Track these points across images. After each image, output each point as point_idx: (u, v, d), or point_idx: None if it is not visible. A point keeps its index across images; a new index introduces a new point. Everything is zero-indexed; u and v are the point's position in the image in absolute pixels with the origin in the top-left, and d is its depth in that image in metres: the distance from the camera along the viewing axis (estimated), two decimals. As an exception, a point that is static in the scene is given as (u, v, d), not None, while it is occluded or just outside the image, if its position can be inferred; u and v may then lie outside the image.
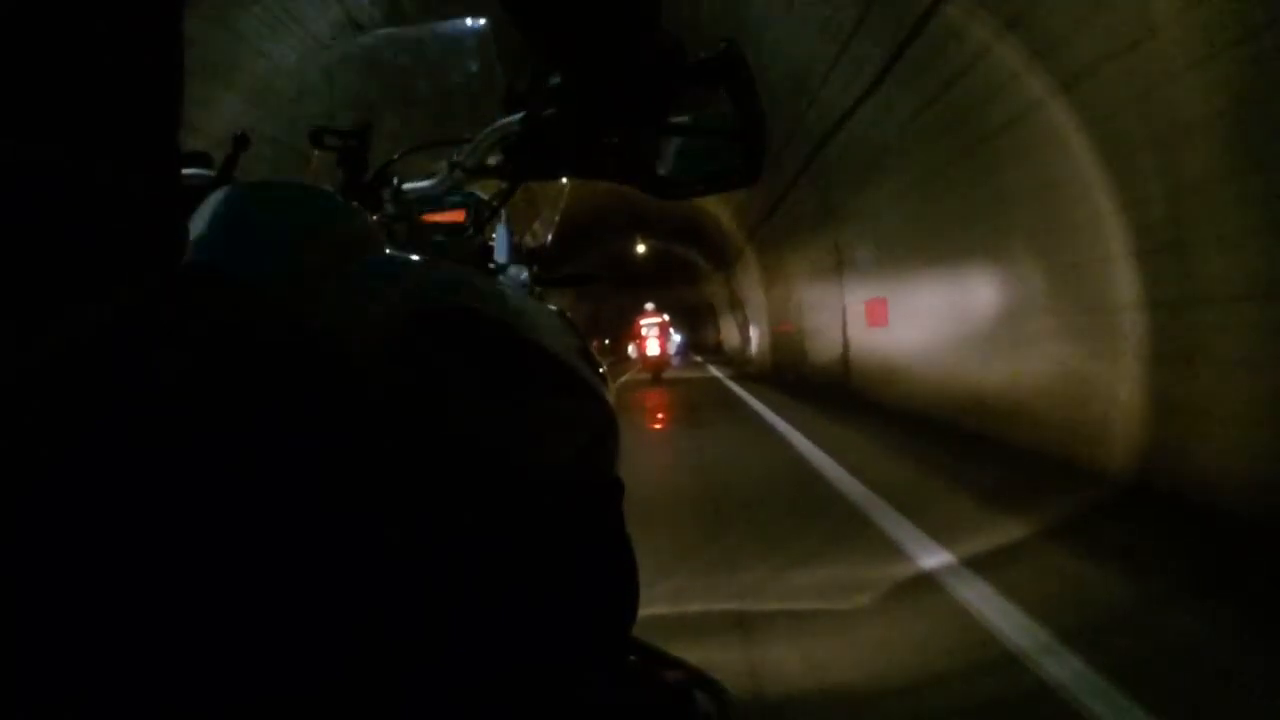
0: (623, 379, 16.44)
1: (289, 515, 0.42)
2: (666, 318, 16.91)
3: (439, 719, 0.47)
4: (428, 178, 1.00)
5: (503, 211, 1.10)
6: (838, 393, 9.29)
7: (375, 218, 0.95)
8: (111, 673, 0.35)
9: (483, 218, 1.14)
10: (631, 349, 17.57)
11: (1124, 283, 3.83)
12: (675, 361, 19.34)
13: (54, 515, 0.35)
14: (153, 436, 0.38)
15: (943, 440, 5.62)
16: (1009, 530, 3.32)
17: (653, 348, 15.68)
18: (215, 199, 0.55)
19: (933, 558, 3.03)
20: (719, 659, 2.21)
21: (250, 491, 0.40)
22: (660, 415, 9.69)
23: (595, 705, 0.63)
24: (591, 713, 0.62)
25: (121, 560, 0.36)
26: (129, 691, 0.35)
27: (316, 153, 1.02)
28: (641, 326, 16.37)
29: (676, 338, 20.92)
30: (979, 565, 2.89)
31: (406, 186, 1.02)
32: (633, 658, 0.93)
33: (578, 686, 0.60)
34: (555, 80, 0.78)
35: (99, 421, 0.37)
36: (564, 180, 0.90)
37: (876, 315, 8.10)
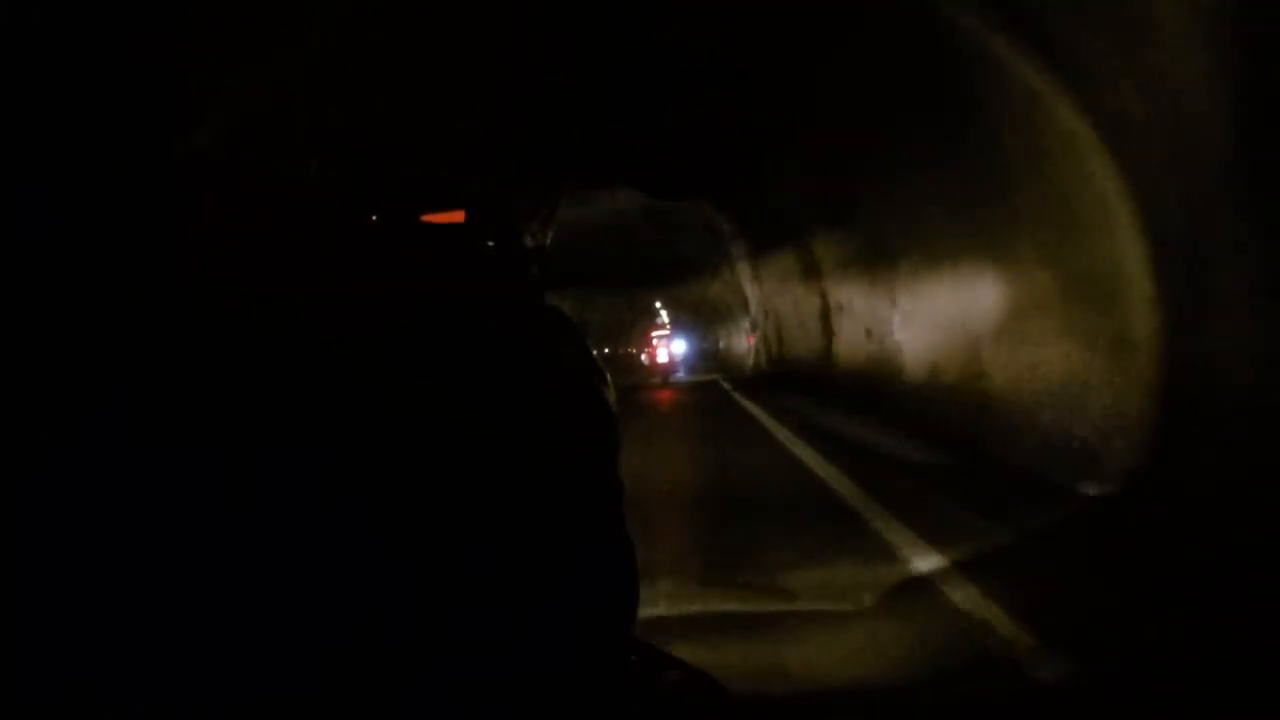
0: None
1: (288, 516, 0.42)
2: (669, 333, 21.03)
3: (441, 718, 0.47)
4: (427, 178, 1.00)
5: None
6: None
7: (374, 218, 0.95)
8: (130, 663, 0.35)
9: (482, 218, 1.14)
10: (644, 356, 21.05)
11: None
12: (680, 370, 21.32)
13: (52, 506, 0.35)
14: (154, 434, 0.38)
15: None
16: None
17: (662, 355, 19.66)
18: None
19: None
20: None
21: (249, 492, 0.40)
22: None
23: (595, 705, 0.63)
24: (591, 713, 0.62)
25: (123, 556, 0.36)
26: (156, 683, 0.35)
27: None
28: (653, 338, 20.15)
29: (681, 347, 23.67)
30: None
31: (405, 187, 1.02)
32: (633, 658, 0.92)
33: (578, 687, 0.60)
34: (556, 82, 0.78)
35: (99, 417, 0.37)
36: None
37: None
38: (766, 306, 16.48)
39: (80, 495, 0.35)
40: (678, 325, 25.11)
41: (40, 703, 0.34)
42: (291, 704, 0.41)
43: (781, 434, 7.88)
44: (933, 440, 6.18)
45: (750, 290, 17.27)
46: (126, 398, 0.37)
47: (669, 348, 20.21)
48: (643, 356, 21.94)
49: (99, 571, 0.35)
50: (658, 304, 25.54)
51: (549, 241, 1.23)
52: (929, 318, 7.30)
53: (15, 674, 0.33)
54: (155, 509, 0.37)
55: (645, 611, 0.83)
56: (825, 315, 11.54)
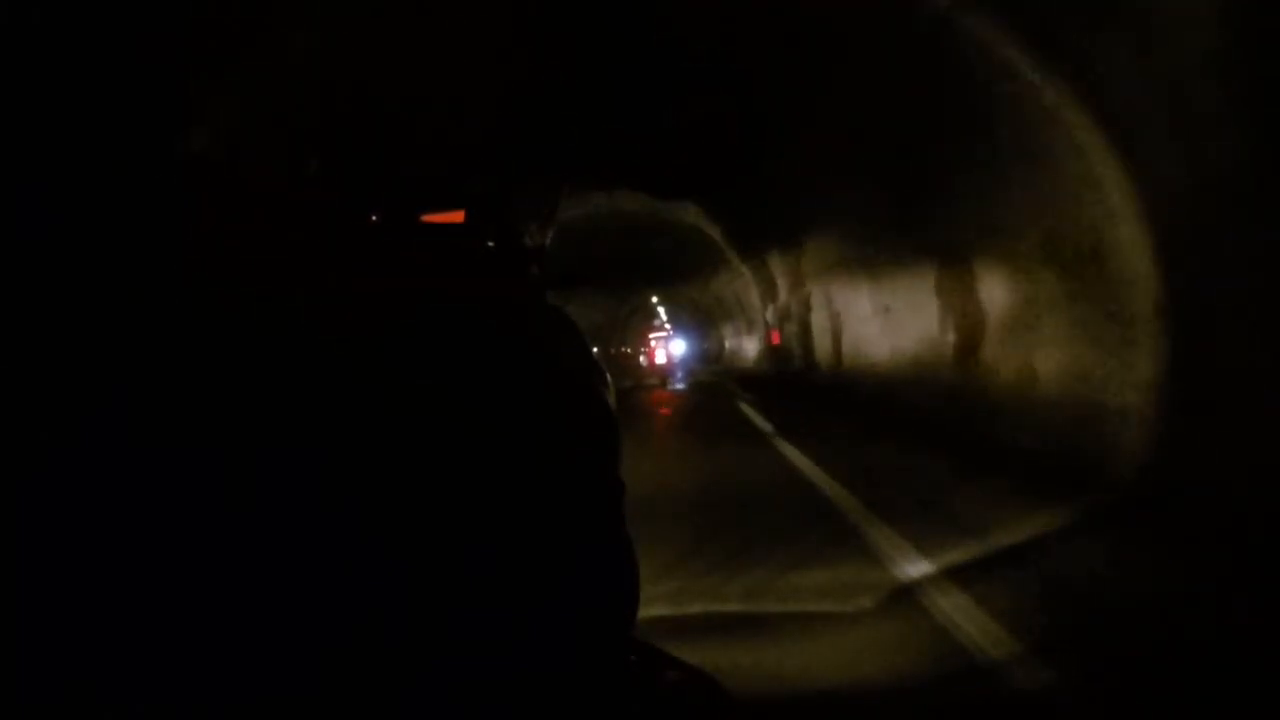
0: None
1: (288, 515, 0.42)
2: (666, 334, 20.88)
3: (442, 717, 0.47)
4: (427, 178, 1.00)
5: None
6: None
7: (374, 218, 0.95)
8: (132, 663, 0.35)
9: (482, 218, 1.14)
10: (642, 358, 21.50)
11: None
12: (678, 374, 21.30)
13: (53, 505, 0.35)
14: (155, 433, 0.38)
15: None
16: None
17: (660, 357, 19.28)
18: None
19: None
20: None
21: (249, 491, 0.40)
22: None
23: (595, 705, 0.63)
24: (591, 713, 0.62)
25: (123, 555, 0.36)
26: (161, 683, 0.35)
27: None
28: (650, 339, 19.98)
29: (681, 348, 23.97)
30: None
31: (405, 187, 1.02)
32: (633, 658, 0.93)
33: (578, 686, 0.60)
34: (556, 83, 0.78)
35: (99, 417, 0.37)
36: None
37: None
38: (809, 298, 11.20)
39: (80, 494, 0.35)
40: (676, 323, 25.12)
41: (40, 703, 0.34)
42: (292, 703, 0.41)
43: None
44: None
45: (781, 279, 13.08)
46: (127, 397, 0.37)
47: (668, 348, 20.52)
48: (640, 358, 22.28)
49: (99, 571, 0.35)
50: (654, 299, 25.07)
51: (549, 241, 1.23)
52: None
53: (15, 674, 0.33)
54: (156, 508, 0.37)
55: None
56: (961, 307, 6.08)
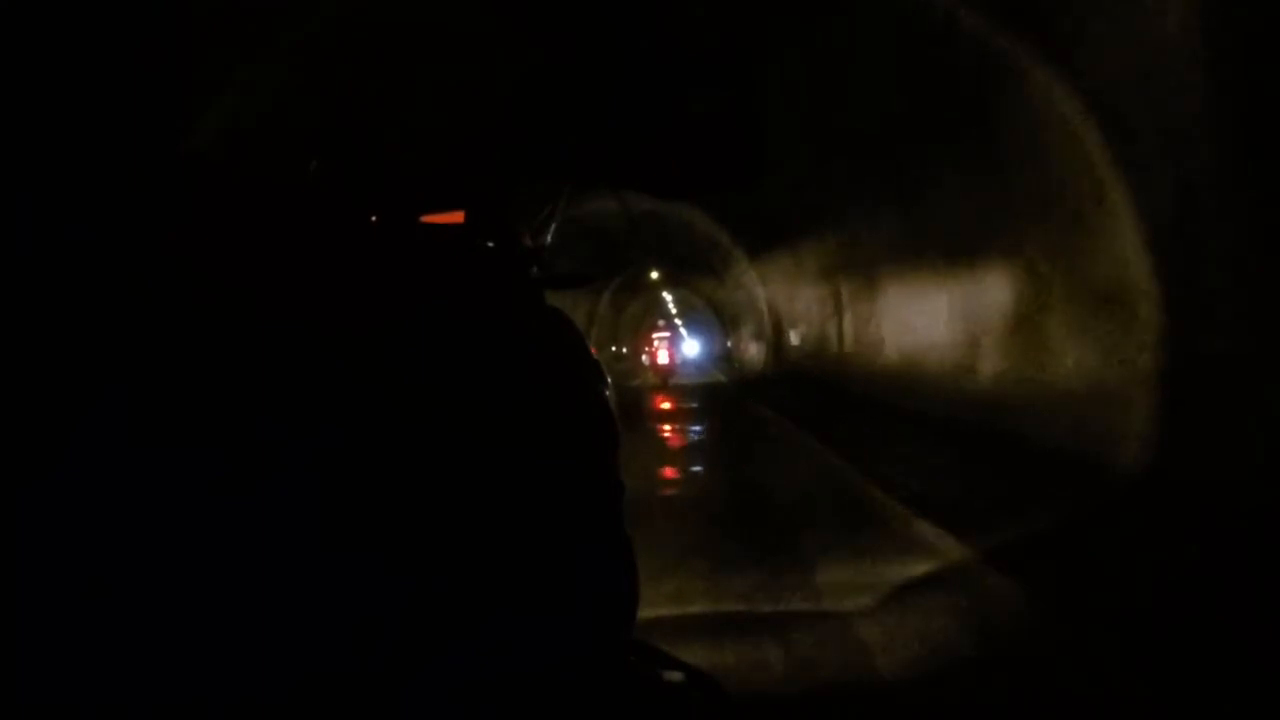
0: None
1: (286, 516, 0.42)
2: (670, 334, 20.86)
3: (440, 718, 0.47)
4: (428, 178, 1.00)
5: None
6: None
7: (374, 218, 0.95)
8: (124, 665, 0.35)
9: (482, 218, 1.14)
10: (644, 358, 21.76)
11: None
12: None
13: (50, 506, 0.35)
14: (153, 434, 0.38)
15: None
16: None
17: (662, 357, 19.73)
18: None
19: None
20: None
21: (248, 492, 0.41)
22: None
23: (595, 706, 0.63)
24: (591, 713, 0.62)
25: (122, 556, 0.36)
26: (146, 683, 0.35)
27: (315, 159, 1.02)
28: (654, 339, 20.23)
29: (695, 349, 24.08)
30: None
31: (405, 187, 1.02)
32: (633, 658, 0.93)
33: (577, 687, 0.60)
34: (556, 82, 0.78)
35: (98, 417, 0.37)
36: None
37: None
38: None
39: (79, 496, 0.35)
40: (690, 319, 24.34)
41: (40, 703, 0.34)
42: (290, 705, 0.41)
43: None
44: None
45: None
46: (125, 398, 0.37)
47: (673, 349, 20.49)
48: (642, 357, 22.31)
49: (99, 572, 0.35)
50: (654, 274, 21.36)
51: (549, 241, 1.23)
52: None
53: (14, 674, 0.33)
54: (154, 509, 0.37)
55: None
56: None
